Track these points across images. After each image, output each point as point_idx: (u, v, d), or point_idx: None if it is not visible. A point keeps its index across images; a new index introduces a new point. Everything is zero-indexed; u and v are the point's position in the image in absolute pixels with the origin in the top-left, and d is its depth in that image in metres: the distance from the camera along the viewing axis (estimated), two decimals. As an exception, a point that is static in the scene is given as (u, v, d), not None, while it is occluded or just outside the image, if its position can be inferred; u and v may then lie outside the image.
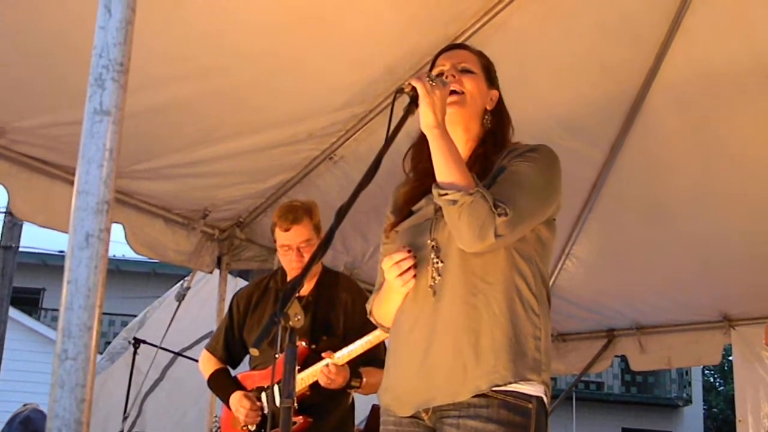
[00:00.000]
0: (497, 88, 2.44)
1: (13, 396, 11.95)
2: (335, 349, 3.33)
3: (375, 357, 3.37)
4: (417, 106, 2.14)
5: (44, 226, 4.08)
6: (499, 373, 2.10)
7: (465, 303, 2.16)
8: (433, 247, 2.24)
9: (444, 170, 2.14)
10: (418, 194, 2.38)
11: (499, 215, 2.07)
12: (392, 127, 2.11)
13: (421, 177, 2.36)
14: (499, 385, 2.09)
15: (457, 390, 2.12)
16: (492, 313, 2.14)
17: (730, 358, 7.15)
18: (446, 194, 2.11)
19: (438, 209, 2.24)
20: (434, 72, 2.38)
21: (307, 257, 3.48)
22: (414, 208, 2.37)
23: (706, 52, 4.25)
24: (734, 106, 4.44)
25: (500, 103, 2.43)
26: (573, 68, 4.36)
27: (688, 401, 20.87)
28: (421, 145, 2.33)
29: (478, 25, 3.96)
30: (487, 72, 2.42)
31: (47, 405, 1.45)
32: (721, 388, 27.54)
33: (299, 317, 1.89)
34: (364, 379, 3.42)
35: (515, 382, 2.10)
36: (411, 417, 2.22)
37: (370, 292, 2.56)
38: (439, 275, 2.21)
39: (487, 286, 2.16)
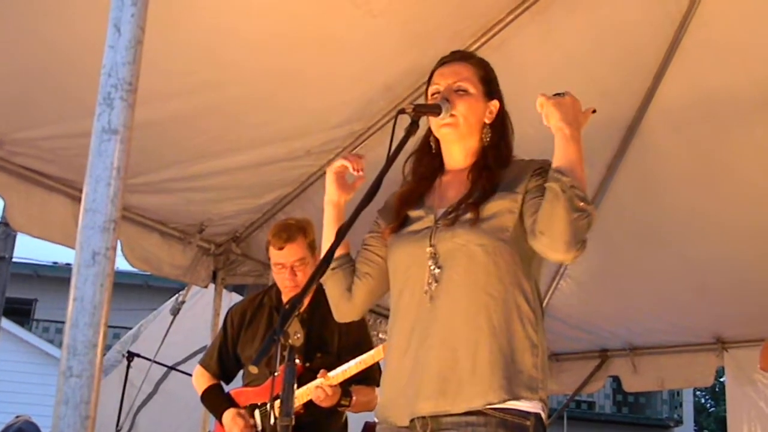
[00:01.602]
0: (498, 97, 2.40)
1: (4, 407, 11.88)
2: (329, 367, 3.33)
3: (367, 376, 3.37)
4: (418, 126, 2.15)
5: (41, 238, 4.08)
6: (494, 391, 2.09)
7: (465, 315, 2.16)
8: (431, 254, 2.23)
9: (578, 173, 2.16)
10: (414, 197, 2.39)
11: (584, 240, 2.16)
12: (393, 149, 2.12)
13: (419, 180, 2.40)
14: (494, 404, 2.09)
15: (452, 404, 2.11)
16: (491, 327, 2.14)
17: (722, 379, 7.14)
18: (578, 193, 2.12)
19: (438, 219, 2.26)
20: (430, 90, 2.39)
21: (300, 276, 3.47)
22: (412, 215, 2.36)
23: (704, 76, 4.28)
24: (731, 130, 4.46)
25: (501, 113, 2.40)
26: (570, 89, 4.36)
27: (679, 422, 20.81)
28: (422, 150, 2.39)
29: (476, 45, 3.97)
30: (486, 84, 2.39)
31: (39, 416, 1.45)
32: (712, 409, 27.49)
33: (299, 335, 1.90)
34: (354, 398, 3.41)
35: (510, 400, 2.10)
36: (408, 429, 2.20)
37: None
38: (436, 281, 2.21)
39: (488, 299, 2.17)
